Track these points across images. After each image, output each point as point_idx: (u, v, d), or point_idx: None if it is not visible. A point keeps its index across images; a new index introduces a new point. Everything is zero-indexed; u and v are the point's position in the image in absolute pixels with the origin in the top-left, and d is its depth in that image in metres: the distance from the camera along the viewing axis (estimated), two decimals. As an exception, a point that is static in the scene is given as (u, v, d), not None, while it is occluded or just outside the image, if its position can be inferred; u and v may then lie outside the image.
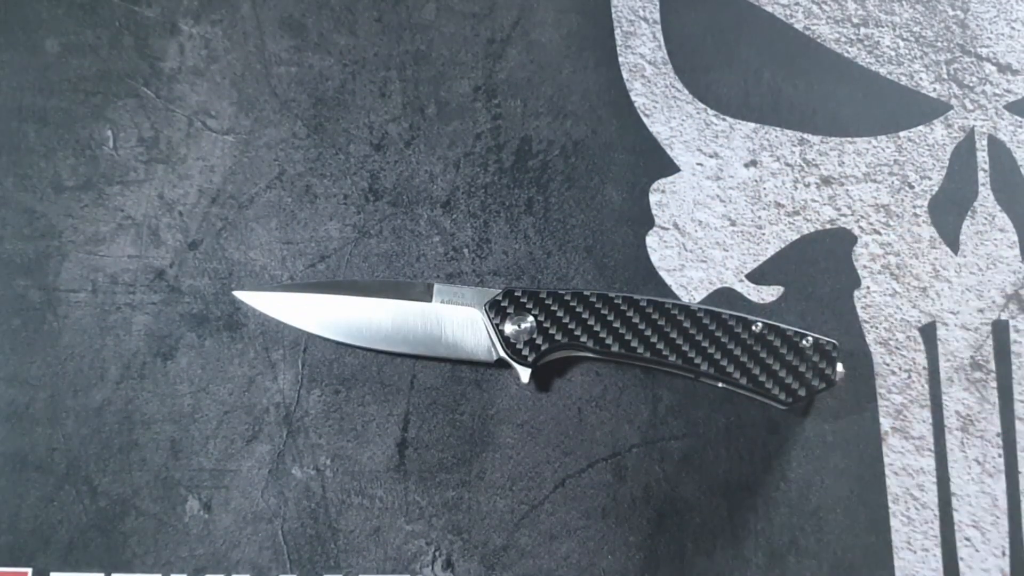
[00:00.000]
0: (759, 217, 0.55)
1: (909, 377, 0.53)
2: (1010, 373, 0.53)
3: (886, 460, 0.52)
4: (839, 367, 0.49)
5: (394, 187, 0.56)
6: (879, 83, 0.57)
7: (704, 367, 0.49)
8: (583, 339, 0.50)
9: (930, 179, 0.56)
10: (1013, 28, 0.58)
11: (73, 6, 0.58)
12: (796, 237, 0.55)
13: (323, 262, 0.55)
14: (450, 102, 0.57)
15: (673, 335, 0.50)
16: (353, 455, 0.52)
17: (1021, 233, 0.55)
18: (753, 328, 0.49)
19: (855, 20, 0.59)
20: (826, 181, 0.56)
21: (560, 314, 0.51)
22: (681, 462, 0.52)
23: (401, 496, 0.51)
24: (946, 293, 0.54)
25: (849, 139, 0.56)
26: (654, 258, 0.55)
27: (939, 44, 0.58)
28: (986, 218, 0.55)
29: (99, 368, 0.53)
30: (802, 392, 0.49)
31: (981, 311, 0.54)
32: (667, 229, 0.55)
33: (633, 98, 0.57)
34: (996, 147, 0.56)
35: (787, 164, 0.56)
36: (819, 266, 0.55)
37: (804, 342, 0.49)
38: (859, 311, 0.54)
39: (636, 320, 0.50)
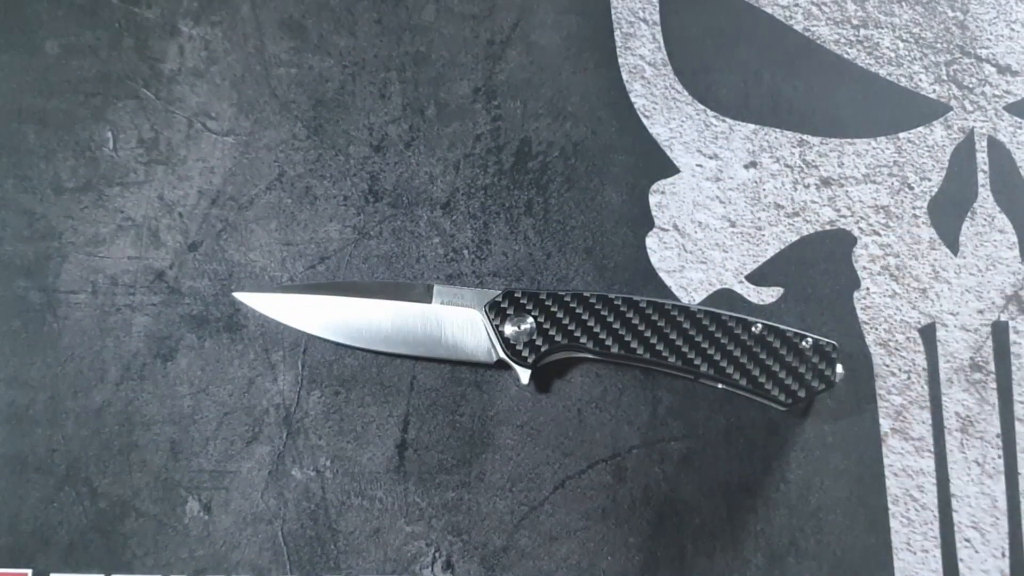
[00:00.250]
0: (759, 218, 0.55)
1: (909, 378, 0.53)
2: (1010, 374, 0.53)
3: (886, 461, 0.52)
4: (839, 368, 0.49)
5: (394, 188, 0.56)
6: (879, 84, 0.57)
7: (704, 368, 0.49)
8: (583, 340, 0.50)
9: (930, 180, 0.56)
10: (1013, 29, 0.58)
11: (73, 7, 0.59)
12: (796, 238, 0.55)
13: (323, 263, 0.55)
14: (450, 103, 0.57)
15: (673, 336, 0.50)
16: (353, 456, 0.52)
17: (1021, 234, 0.55)
18: (753, 329, 0.49)
19: (855, 21, 0.59)
20: (826, 182, 0.56)
21: (560, 315, 0.51)
22: (681, 463, 0.52)
23: (401, 497, 0.51)
24: (946, 294, 0.54)
25: (849, 140, 0.56)
26: (654, 259, 0.55)
27: (939, 45, 0.58)
28: (986, 219, 0.55)
29: (99, 369, 0.53)
30: (802, 393, 0.49)
31: (981, 312, 0.54)
32: (667, 230, 0.55)
33: (633, 99, 0.57)
34: (996, 148, 0.56)
35: (787, 165, 0.56)
36: (819, 267, 0.55)
37: (804, 343, 0.49)
38: (859, 312, 0.54)
39: (636, 321, 0.50)
